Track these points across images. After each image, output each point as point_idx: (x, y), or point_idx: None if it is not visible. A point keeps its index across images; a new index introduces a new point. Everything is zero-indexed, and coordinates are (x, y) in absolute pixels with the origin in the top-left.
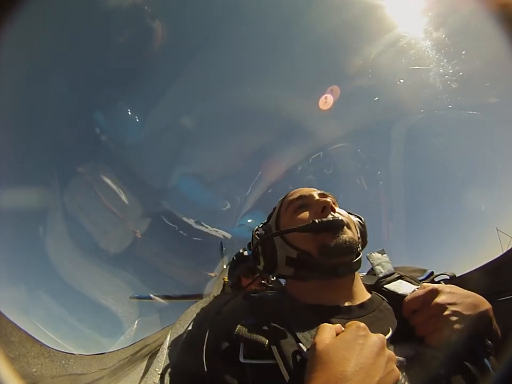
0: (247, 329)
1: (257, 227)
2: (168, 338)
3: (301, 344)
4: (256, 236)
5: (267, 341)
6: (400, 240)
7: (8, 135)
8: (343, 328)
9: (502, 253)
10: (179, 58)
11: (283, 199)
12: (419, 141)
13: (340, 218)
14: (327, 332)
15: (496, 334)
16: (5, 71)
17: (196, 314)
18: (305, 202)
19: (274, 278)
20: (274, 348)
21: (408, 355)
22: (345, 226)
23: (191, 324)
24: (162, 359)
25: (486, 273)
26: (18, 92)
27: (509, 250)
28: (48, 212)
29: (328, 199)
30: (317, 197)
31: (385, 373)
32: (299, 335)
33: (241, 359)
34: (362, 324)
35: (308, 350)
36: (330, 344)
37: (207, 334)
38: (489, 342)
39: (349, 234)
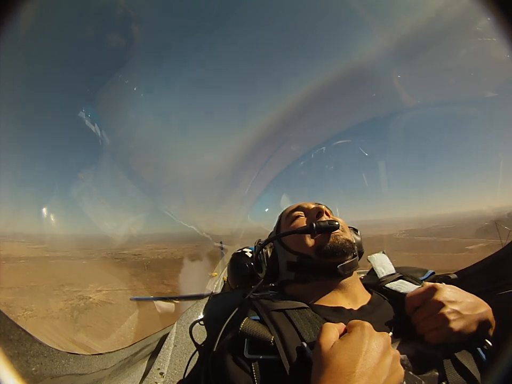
0: (252, 326)
1: (259, 239)
2: (169, 338)
3: (304, 343)
4: (259, 245)
5: (272, 337)
6: None
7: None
8: (344, 326)
9: (502, 247)
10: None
11: (282, 213)
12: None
13: (334, 220)
14: (331, 332)
15: (496, 335)
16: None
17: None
18: (302, 211)
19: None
20: (279, 344)
21: (408, 353)
22: (339, 228)
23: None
24: (163, 359)
25: (486, 268)
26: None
27: (509, 243)
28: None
29: (323, 206)
30: (313, 206)
31: (391, 372)
32: (303, 333)
33: (246, 355)
34: (367, 323)
35: (310, 347)
36: (336, 346)
37: (221, 332)
38: (489, 342)
39: (344, 236)
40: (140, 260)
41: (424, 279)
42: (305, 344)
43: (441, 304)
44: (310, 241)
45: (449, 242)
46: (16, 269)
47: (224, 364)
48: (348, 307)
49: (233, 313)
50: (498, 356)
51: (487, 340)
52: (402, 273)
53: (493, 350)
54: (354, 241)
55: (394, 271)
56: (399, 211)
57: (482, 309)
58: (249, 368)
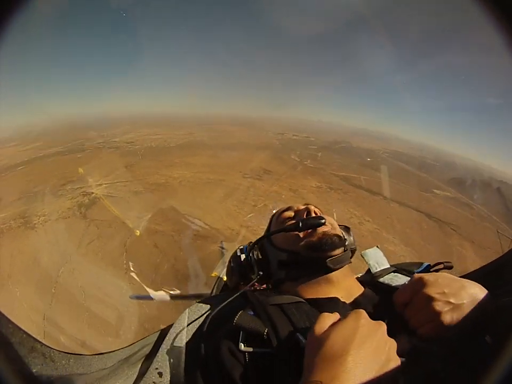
0: (247, 319)
1: (250, 241)
2: (167, 338)
3: (298, 335)
4: (249, 246)
5: (266, 329)
6: None
7: None
8: (339, 316)
9: (502, 254)
10: None
11: (273, 215)
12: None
13: (321, 217)
14: (327, 320)
15: (496, 327)
16: None
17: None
18: (292, 212)
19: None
20: (272, 337)
21: (403, 348)
22: (326, 223)
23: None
24: (162, 359)
25: (488, 273)
26: None
27: (510, 250)
28: None
29: (312, 206)
30: (302, 206)
31: (387, 360)
32: (298, 325)
33: (241, 347)
34: (363, 311)
35: (305, 338)
36: (330, 329)
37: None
38: (488, 335)
39: (332, 231)
40: (133, 149)
41: (418, 272)
42: (299, 335)
43: (429, 297)
44: (298, 238)
45: (422, 178)
46: (17, 177)
47: (219, 356)
48: (341, 300)
49: (232, 297)
50: (499, 354)
51: (486, 333)
52: (397, 268)
53: (492, 344)
54: (344, 237)
55: (388, 266)
56: (400, 129)
57: (478, 295)
58: (244, 361)
